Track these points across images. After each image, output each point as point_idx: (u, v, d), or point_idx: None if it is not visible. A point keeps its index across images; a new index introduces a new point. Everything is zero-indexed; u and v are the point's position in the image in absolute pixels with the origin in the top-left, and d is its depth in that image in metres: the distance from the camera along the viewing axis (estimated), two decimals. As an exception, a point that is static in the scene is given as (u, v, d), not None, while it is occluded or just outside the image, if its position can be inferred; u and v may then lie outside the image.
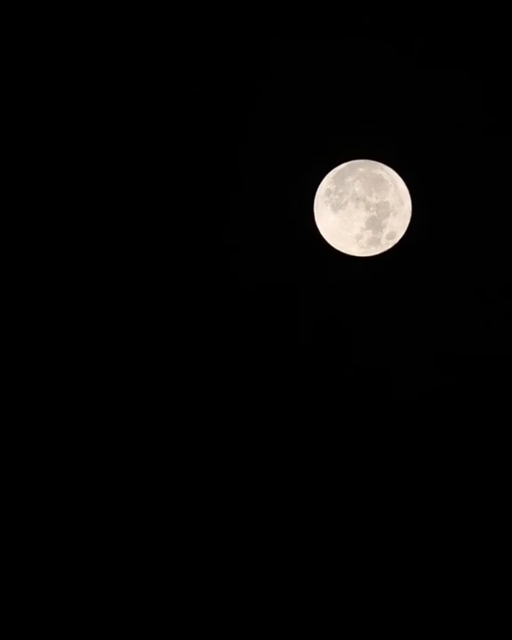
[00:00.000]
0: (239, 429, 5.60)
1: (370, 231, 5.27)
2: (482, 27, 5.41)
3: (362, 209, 5.25)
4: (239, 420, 5.60)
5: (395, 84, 5.49)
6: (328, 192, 5.35)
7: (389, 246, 5.37)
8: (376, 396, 5.57)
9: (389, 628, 5.52)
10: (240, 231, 5.60)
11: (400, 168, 5.39)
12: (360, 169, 5.33)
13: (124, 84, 5.56)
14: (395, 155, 5.44)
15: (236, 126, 5.56)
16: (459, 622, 5.50)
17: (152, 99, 5.56)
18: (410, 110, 5.49)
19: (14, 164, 5.58)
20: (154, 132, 5.57)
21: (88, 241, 5.60)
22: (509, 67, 5.42)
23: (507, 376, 5.55)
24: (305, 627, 5.52)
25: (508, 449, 5.54)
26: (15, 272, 5.59)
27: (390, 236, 5.33)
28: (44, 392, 5.59)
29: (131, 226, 5.60)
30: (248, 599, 5.55)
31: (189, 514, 5.59)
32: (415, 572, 5.55)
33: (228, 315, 5.61)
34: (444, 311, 5.57)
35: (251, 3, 5.49)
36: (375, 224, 5.26)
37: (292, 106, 5.53)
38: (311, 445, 5.59)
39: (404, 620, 5.51)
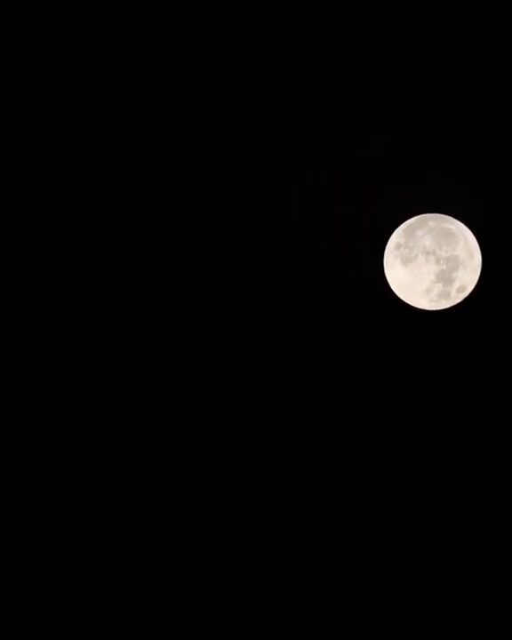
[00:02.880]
0: (239, 430, 5.59)
1: (440, 284, 5.33)
2: (482, 27, 5.41)
3: (432, 262, 5.29)
4: (239, 421, 5.59)
5: (395, 83, 5.49)
6: (398, 246, 5.38)
7: (459, 300, 5.41)
8: (376, 396, 5.56)
9: (388, 628, 5.51)
10: (240, 231, 5.59)
11: (470, 222, 5.43)
12: (430, 223, 5.37)
13: (124, 85, 5.56)
14: (465, 209, 5.48)
15: (235, 126, 5.56)
16: (457, 622, 5.50)
17: (152, 99, 5.56)
18: (409, 110, 5.49)
19: (15, 165, 5.58)
20: (154, 132, 5.57)
21: (88, 241, 5.60)
22: (509, 67, 5.42)
23: (506, 377, 5.55)
24: (304, 627, 5.52)
25: (508, 449, 5.53)
26: (15, 272, 5.59)
27: (460, 290, 5.37)
28: (43, 392, 5.58)
29: (131, 226, 5.59)
30: (247, 600, 5.54)
31: (189, 515, 5.58)
32: (414, 572, 5.54)
33: (227, 315, 5.61)
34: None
35: (251, 3, 5.49)
36: (445, 277, 5.31)
37: (292, 106, 5.53)
38: (311, 446, 5.58)
39: (403, 621, 5.51)
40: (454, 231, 5.36)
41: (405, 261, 5.34)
